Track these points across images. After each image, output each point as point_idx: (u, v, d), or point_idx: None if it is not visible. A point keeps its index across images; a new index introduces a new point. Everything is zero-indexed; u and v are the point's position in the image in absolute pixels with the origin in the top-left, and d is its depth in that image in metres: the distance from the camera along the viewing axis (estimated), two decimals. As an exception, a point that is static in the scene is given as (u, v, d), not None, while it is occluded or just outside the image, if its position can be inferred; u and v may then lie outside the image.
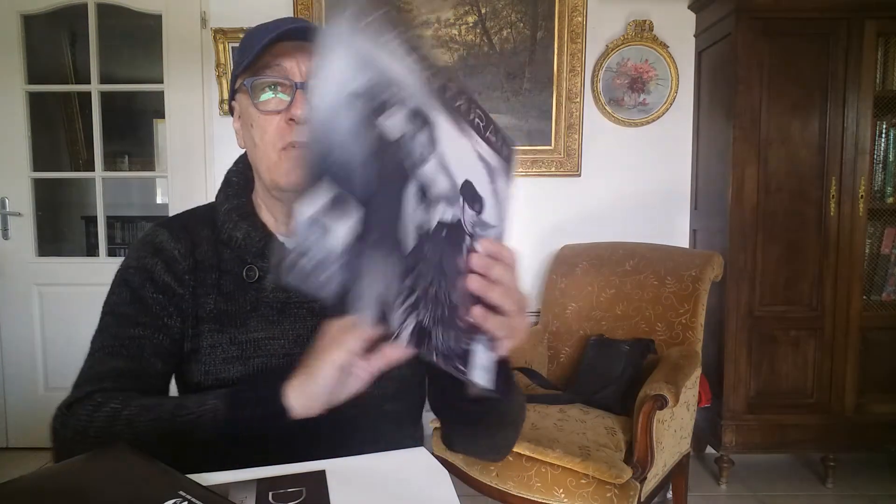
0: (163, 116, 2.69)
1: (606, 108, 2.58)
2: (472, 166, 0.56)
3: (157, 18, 2.59)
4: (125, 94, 3.52)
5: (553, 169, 2.60)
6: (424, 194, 0.51)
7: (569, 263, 2.35)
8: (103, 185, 2.70)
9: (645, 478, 1.65)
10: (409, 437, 0.83)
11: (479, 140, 0.57)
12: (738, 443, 2.30)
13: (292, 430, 0.60)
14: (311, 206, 0.45)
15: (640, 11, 2.56)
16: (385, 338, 0.51)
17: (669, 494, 2.10)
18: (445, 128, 0.53)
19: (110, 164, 3.82)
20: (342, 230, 0.46)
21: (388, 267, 0.48)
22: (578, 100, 2.57)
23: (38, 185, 2.72)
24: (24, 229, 2.65)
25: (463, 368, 0.53)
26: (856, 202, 2.24)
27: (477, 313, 0.54)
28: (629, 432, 1.76)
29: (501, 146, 0.60)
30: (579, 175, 2.61)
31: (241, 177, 0.86)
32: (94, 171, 2.69)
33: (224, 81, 2.56)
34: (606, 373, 1.98)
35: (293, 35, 0.74)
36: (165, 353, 0.75)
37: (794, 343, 2.30)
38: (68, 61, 3.37)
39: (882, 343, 2.29)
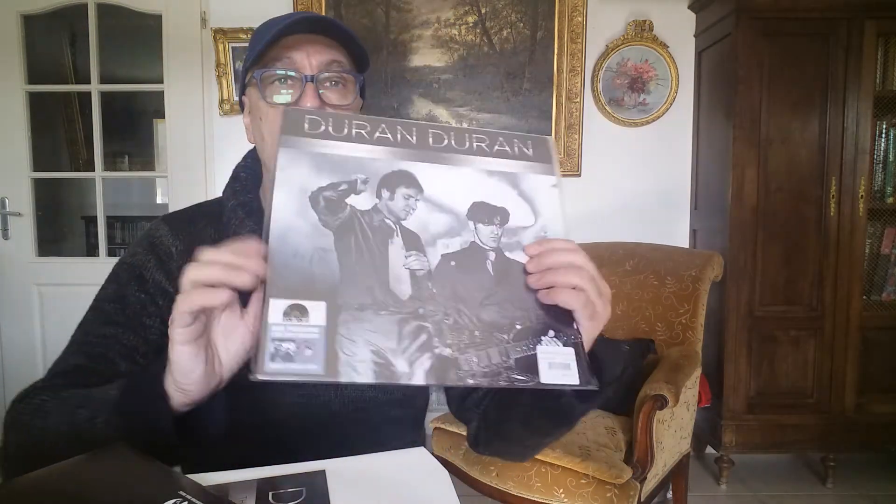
0: (163, 116, 2.69)
1: (606, 108, 2.58)
2: (481, 186, 0.61)
3: (157, 18, 2.59)
4: (125, 94, 3.52)
5: (553, 169, 2.59)
6: (415, 241, 0.56)
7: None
8: (103, 185, 2.70)
9: (645, 478, 1.65)
10: (410, 442, 0.83)
11: (486, 158, 0.62)
12: (738, 443, 2.30)
13: (294, 433, 0.60)
14: (282, 301, 0.50)
15: (640, 11, 2.56)
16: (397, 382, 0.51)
17: (669, 494, 2.10)
18: (431, 172, 0.60)
19: (110, 164, 3.82)
20: (318, 310, 0.51)
21: (380, 323, 0.52)
22: (578, 100, 2.57)
23: (38, 185, 2.73)
24: (24, 229, 2.65)
25: (523, 378, 0.53)
26: (856, 202, 2.24)
27: (558, 297, 0.55)
28: (629, 432, 1.76)
29: (521, 150, 0.64)
30: (579, 175, 2.61)
31: (249, 172, 0.84)
32: (94, 171, 2.69)
33: (224, 81, 2.56)
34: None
35: (303, 27, 0.74)
36: (136, 353, 0.73)
37: (794, 343, 2.30)
38: (68, 61, 3.37)
39: (882, 343, 2.29)
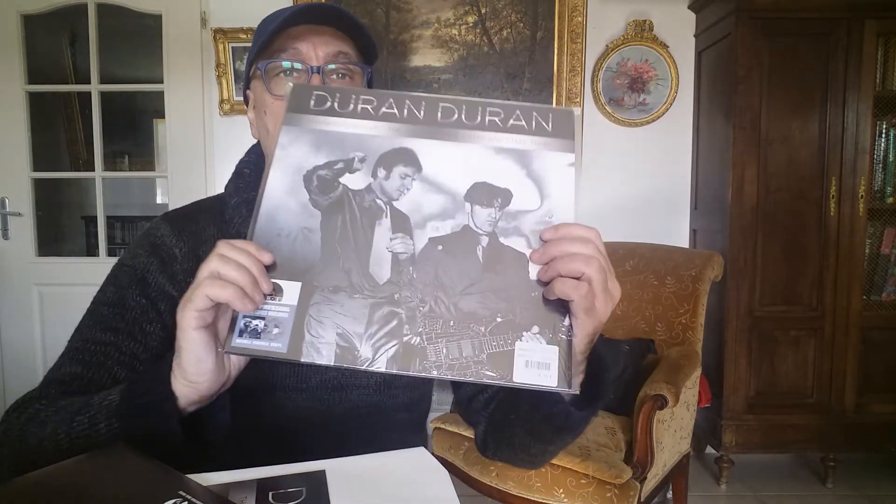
0: (163, 116, 2.69)
1: (606, 108, 2.58)
2: (487, 165, 0.58)
3: (157, 18, 2.59)
4: (125, 94, 3.52)
5: (553, 169, 2.59)
6: (403, 223, 0.55)
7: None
8: (103, 185, 2.70)
9: (645, 478, 1.65)
10: (413, 446, 0.82)
11: (498, 134, 0.59)
12: (738, 443, 2.30)
13: (296, 437, 0.59)
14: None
15: (640, 11, 2.56)
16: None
17: (669, 494, 2.10)
18: (433, 150, 0.58)
19: (110, 164, 3.82)
20: (292, 290, 0.52)
21: (352, 307, 0.51)
22: (578, 100, 2.57)
23: (38, 185, 2.73)
24: (24, 229, 2.65)
25: (493, 375, 0.50)
26: (856, 202, 2.24)
27: (556, 287, 0.51)
28: (629, 432, 1.76)
29: (539, 124, 0.60)
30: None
31: (253, 168, 0.81)
32: (94, 171, 2.70)
33: (224, 81, 2.56)
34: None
35: (309, 16, 0.72)
36: (135, 361, 0.70)
37: (794, 343, 2.30)
38: (68, 61, 3.37)
39: (882, 343, 2.29)
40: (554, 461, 1.61)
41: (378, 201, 0.56)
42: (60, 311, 2.65)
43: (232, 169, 0.83)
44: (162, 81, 2.61)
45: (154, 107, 3.85)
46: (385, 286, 0.53)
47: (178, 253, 0.75)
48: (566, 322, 0.53)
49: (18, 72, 2.58)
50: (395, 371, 0.50)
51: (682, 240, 2.66)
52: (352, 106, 0.60)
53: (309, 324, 0.51)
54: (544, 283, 0.53)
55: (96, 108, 2.63)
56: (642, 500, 1.66)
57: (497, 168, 0.58)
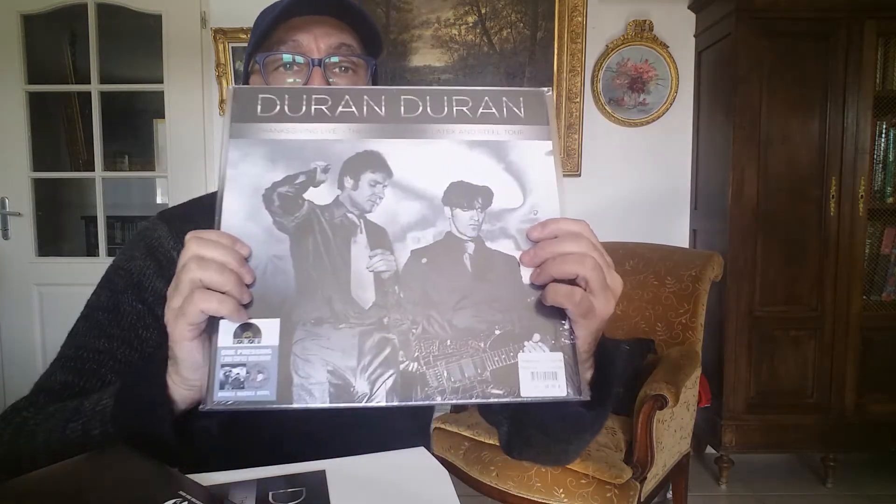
0: (163, 116, 2.69)
1: (606, 108, 2.58)
2: (461, 162, 0.53)
3: (157, 18, 2.59)
4: (125, 94, 3.51)
5: (553, 169, 2.59)
6: (381, 237, 0.50)
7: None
8: (103, 185, 2.70)
9: (645, 478, 1.65)
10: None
11: (468, 126, 0.54)
12: (738, 443, 2.30)
13: (298, 443, 0.57)
14: (232, 322, 0.47)
15: (640, 11, 2.56)
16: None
17: (669, 494, 2.10)
18: (402, 150, 0.53)
19: (110, 164, 3.81)
20: (271, 328, 0.47)
21: (339, 339, 0.47)
22: (578, 100, 2.57)
23: (38, 185, 2.73)
24: (24, 229, 2.65)
25: (500, 392, 0.47)
26: (856, 202, 2.24)
27: (548, 294, 0.48)
28: (629, 432, 1.76)
29: (511, 110, 0.55)
30: (579, 175, 2.61)
31: None
32: (94, 171, 2.70)
33: (224, 81, 2.56)
34: (606, 373, 1.98)
35: (310, 6, 0.69)
36: (131, 368, 0.67)
37: (794, 343, 2.30)
38: (68, 61, 3.36)
39: (882, 343, 2.29)
40: (554, 461, 1.61)
41: (350, 215, 0.51)
42: (60, 311, 2.65)
43: None
44: (162, 81, 2.61)
45: (154, 107, 3.84)
46: (371, 311, 0.48)
47: (176, 255, 0.73)
48: (567, 325, 0.50)
49: (18, 72, 2.58)
50: (396, 403, 0.46)
51: (682, 240, 2.66)
52: (304, 107, 0.54)
53: (295, 364, 0.46)
54: (539, 287, 0.50)
55: (96, 108, 2.63)
56: (642, 500, 1.66)
57: (472, 164, 0.53)
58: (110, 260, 0.76)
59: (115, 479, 0.47)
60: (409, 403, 0.47)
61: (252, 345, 0.47)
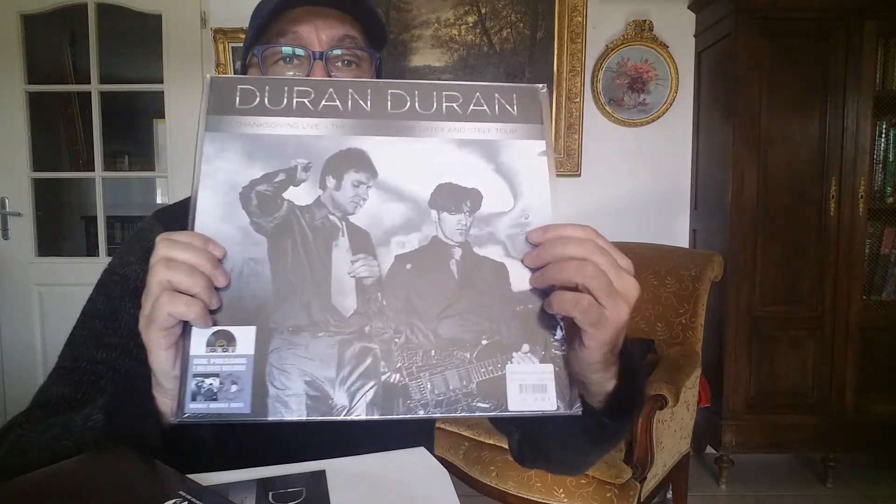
0: (163, 116, 2.69)
1: (606, 108, 2.58)
2: (450, 162, 0.51)
3: (157, 18, 2.59)
4: (125, 94, 3.51)
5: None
6: (364, 241, 0.48)
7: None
8: (103, 185, 2.70)
9: (645, 478, 1.65)
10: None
11: (458, 123, 0.52)
12: (738, 443, 2.30)
13: (298, 447, 0.56)
14: (205, 329, 0.45)
15: (640, 11, 2.56)
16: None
17: (669, 494, 2.10)
18: (387, 148, 0.50)
19: (110, 164, 3.82)
20: (246, 336, 0.45)
21: (318, 348, 0.45)
22: (578, 100, 2.57)
23: (38, 185, 2.73)
24: (24, 229, 2.65)
25: (486, 406, 0.46)
26: (856, 202, 2.24)
27: (553, 303, 0.45)
28: (629, 432, 1.76)
29: (503, 107, 0.53)
30: (579, 175, 2.61)
31: None
32: (94, 171, 2.70)
33: (224, 81, 2.56)
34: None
35: None
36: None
37: (794, 343, 2.30)
38: (68, 61, 3.36)
39: (882, 343, 2.29)
40: (554, 461, 1.61)
41: (331, 217, 0.48)
42: (60, 311, 2.65)
43: None
44: (162, 81, 2.61)
45: (154, 107, 3.84)
46: (352, 319, 0.46)
47: None
48: (558, 335, 0.48)
49: (18, 72, 2.58)
50: (376, 417, 0.44)
51: (682, 240, 2.66)
52: (286, 100, 0.51)
53: (271, 375, 0.44)
54: (540, 294, 0.48)
55: (96, 108, 2.63)
56: (642, 500, 1.66)
57: (461, 165, 0.51)
58: (110, 260, 0.74)
59: (115, 479, 0.47)
60: (390, 417, 0.45)
61: (226, 354, 0.44)
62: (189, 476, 0.47)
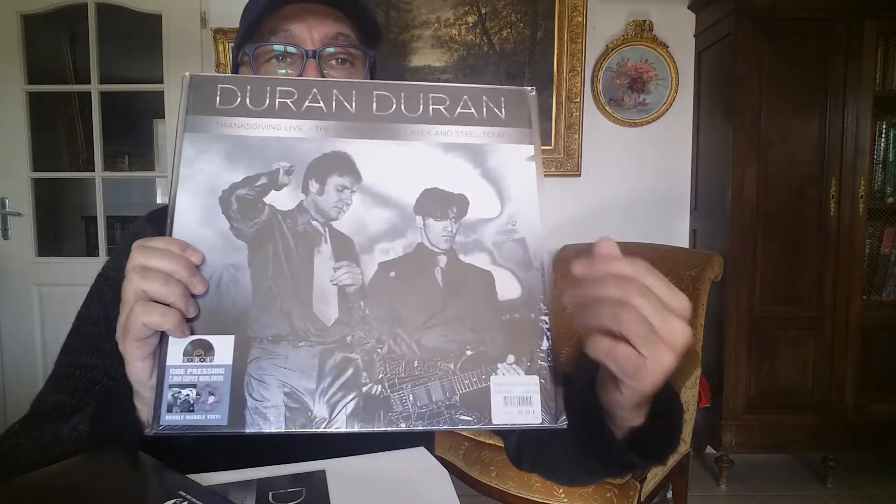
0: (163, 116, 2.69)
1: (606, 108, 2.58)
2: (436, 167, 0.50)
3: (157, 18, 2.59)
4: (125, 94, 3.52)
5: (553, 169, 2.60)
6: (347, 248, 0.47)
7: (569, 263, 2.34)
8: (103, 185, 2.70)
9: (645, 478, 1.65)
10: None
11: (445, 127, 0.51)
12: (738, 443, 2.30)
13: (298, 450, 0.57)
14: (182, 339, 0.44)
15: (640, 11, 2.56)
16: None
17: (669, 494, 2.10)
18: (372, 152, 0.49)
19: (110, 164, 3.82)
20: (224, 346, 0.44)
21: (298, 358, 0.44)
22: (578, 100, 2.56)
23: (38, 185, 2.72)
24: (24, 229, 2.65)
25: (470, 419, 0.45)
26: (856, 202, 2.24)
27: (588, 345, 0.42)
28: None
29: (491, 111, 0.52)
30: (579, 175, 2.61)
31: None
32: (94, 171, 2.69)
33: (224, 81, 2.56)
34: (606, 373, 1.98)
35: None
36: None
37: (794, 343, 2.30)
38: (68, 61, 3.36)
39: (882, 343, 2.29)
40: (554, 461, 1.61)
41: (314, 223, 0.47)
42: (60, 311, 2.65)
43: None
44: (162, 81, 2.61)
45: (154, 107, 3.85)
46: (334, 328, 0.45)
47: None
48: (544, 346, 0.47)
49: (18, 72, 2.58)
50: (356, 429, 0.43)
51: (682, 240, 2.66)
52: (268, 101, 0.49)
53: (249, 385, 0.43)
54: (527, 303, 0.47)
55: (96, 108, 2.63)
56: (642, 500, 1.66)
57: (447, 169, 0.50)
58: (103, 264, 0.74)
59: (115, 479, 0.47)
60: (371, 430, 0.44)
61: (203, 364, 0.43)
62: (189, 476, 0.47)
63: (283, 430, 0.43)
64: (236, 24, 0.77)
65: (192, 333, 0.44)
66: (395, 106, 0.51)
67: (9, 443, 0.59)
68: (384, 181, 0.49)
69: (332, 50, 0.67)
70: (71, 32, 3.29)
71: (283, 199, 0.47)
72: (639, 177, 2.64)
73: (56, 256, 2.85)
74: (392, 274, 0.47)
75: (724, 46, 2.32)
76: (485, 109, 0.52)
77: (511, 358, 0.46)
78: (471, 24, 2.57)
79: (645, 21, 2.54)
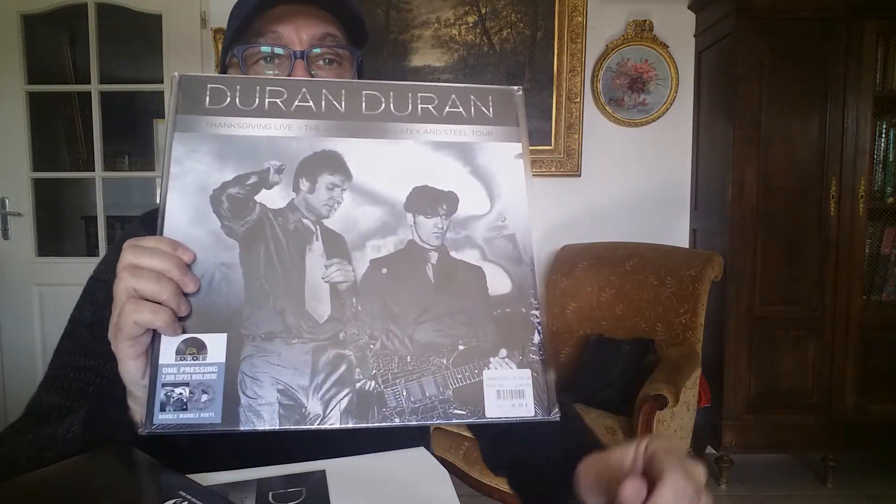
0: (163, 116, 2.69)
1: (606, 108, 2.58)
2: (425, 165, 0.50)
3: (157, 18, 2.59)
4: (125, 94, 3.51)
5: (553, 169, 2.60)
6: (338, 245, 0.47)
7: (569, 263, 2.35)
8: (103, 185, 2.70)
9: (645, 478, 1.64)
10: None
11: (434, 125, 0.51)
12: (738, 443, 2.30)
13: (296, 450, 0.57)
14: (174, 337, 0.44)
15: (640, 11, 2.56)
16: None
17: (669, 494, 2.10)
18: (362, 151, 0.50)
19: (110, 164, 3.81)
20: (217, 344, 0.44)
21: (291, 355, 0.44)
22: (578, 100, 2.56)
23: (38, 185, 2.72)
24: (24, 229, 2.65)
25: (463, 413, 0.45)
26: (856, 202, 2.24)
27: None
28: (629, 432, 1.76)
29: (479, 110, 0.53)
30: (579, 175, 2.61)
31: None
32: (94, 171, 2.69)
33: (224, 81, 2.56)
34: (606, 373, 1.99)
35: None
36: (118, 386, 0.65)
37: (794, 343, 2.30)
38: (68, 61, 3.36)
39: (882, 343, 2.29)
40: (554, 461, 1.61)
41: (305, 221, 0.47)
42: (60, 311, 2.63)
43: None
44: (162, 81, 2.61)
45: (154, 107, 3.85)
46: (327, 325, 0.45)
47: None
48: (536, 339, 0.47)
49: (18, 72, 2.58)
50: (351, 425, 0.43)
51: (682, 240, 2.66)
52: (258, 100, 0.50)
53: (243, 383, 0.43)
54: (518, 298, 0.47)
55: (96, 108, 2.63)
56: (642, 500, 1.66)
57: (437, 167, 0.50)
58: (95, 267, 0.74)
59: (115, 479, 0.47)
60: (365, 425, 0.44)
61: (196, 362, 0.43)
62: (189, 476, 0.47)
63: (277, 428, 0.43)
64: (236, 24, 0.77)
65: (185, 332, 0.44)
66: (384, 105, 0.51)
67: (4, 445, 0.59)
68: (374, 179, 0.49)
69: (319, 50, 0.67)
70: (71, 32, 3.29)
71: (273, 198, 0.48)
72: (639, 177, 2.64)
73: (56, 256, 2.85)
74: (384, 271, 0.47)
75: (724, 46, 2.32)
76: (473, 108, 0.52)
77: (503, 352, 0.47)
78: (471, 24, 2.57)
79: (645, 21, 2.54)
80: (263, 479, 0.51)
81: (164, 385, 0.43)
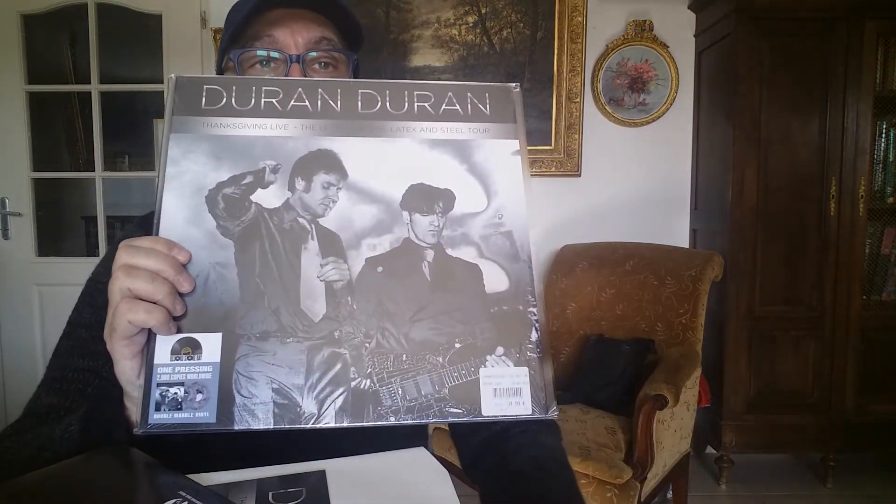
0: (163, 116, 2.68)
1: (606, 108, 2.58)
2: (422, 163, 0.50)
3: (157, 18, 2.59)
4: (125, 94, 3.51)
5: (553, 169, 2.60)
6: (334, 244, 0.47)
7: (569, 263, 2.35)
8: (103, 185, 2.70)
9: (645, 478, 1.64)
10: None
11: (430, 123, 0.51)
12: (738, 443, 2.30)
13: (297, 442, 0.57)
14: (169, 337, 0.44)
15: (640, 11, 2.56)
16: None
17: (669, 494, 2.10)
18: (358, 149, 0.50)
19: (110, 164, 3.81)
20: (212, 343, 0.44)
21: (286, 354, 0.44)
22: (578, 100, 2.57)
23: (38, 185, 2.72)
24: (24, 229, 2.65)
25: (459, 411, 0.45)
26: (856, 202, 2.24)
27: None
28: (629, 432, 1.76)
29: (476, 107, 0.52)
30: (579, 175, 2.61)
31: None
32: (94, 171, 2.70)
33: (224, 81, 2.56)
34: (606, 373, 1.99)
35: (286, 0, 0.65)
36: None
37: (794, 343, 2.30)
38: (68, 61, 3.36)
39: (882, 343, 2.29)
40: (554, 461, 1.61)
41: (300, 220, 0.47)
42: (60, 312, 2.63)
43: None
44: (162, 81, 2.61)
45: (154, 107, 3.85)
46: (322, 323, 0.45)
47: None
48: (533, 337, 0.47)
49: (18, 72, 2.58)
50: (346, 424, 0.43)
51: (682, 240, 2.66)
52: (253, 100, 0.50)
53: (238, 382, 0.43)
54: (515, 295, 0.47)
55: (96, 108, 2.63)
56: (642, 500, 1.66)
57: (433, 165, 0.50)
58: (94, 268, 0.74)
59: (115, 479, 0.47)
60: (360, 424, 0.44)
61: (191, 361, 0.43)
62: (189, 476, 0.47)
63: (271, 427, 0.43)
64: (236, 24, 0.77)
65: (180, 332, 0.44)
66: (380, 104, 0.51)
67: (3, 445, 0.60)
68: (370, 177, 0.49)
69: (315, 54, 0.68)
70: (71, 32, 3.29)
71: (269, 197, 0.48)
72: (639, 177, 2.64)
73: (56, 256, 2.85)
74: (379, 269, 0.47)
75: (724, 46, 2.32)
76: (469, 106, 0.52)
77: (500, 350, 0.46)
78: (471, 24, 2.57)
79: (645, 21, 2.54)
80: (263, 479, 0.51)
81: (159, 385, 0.43)
